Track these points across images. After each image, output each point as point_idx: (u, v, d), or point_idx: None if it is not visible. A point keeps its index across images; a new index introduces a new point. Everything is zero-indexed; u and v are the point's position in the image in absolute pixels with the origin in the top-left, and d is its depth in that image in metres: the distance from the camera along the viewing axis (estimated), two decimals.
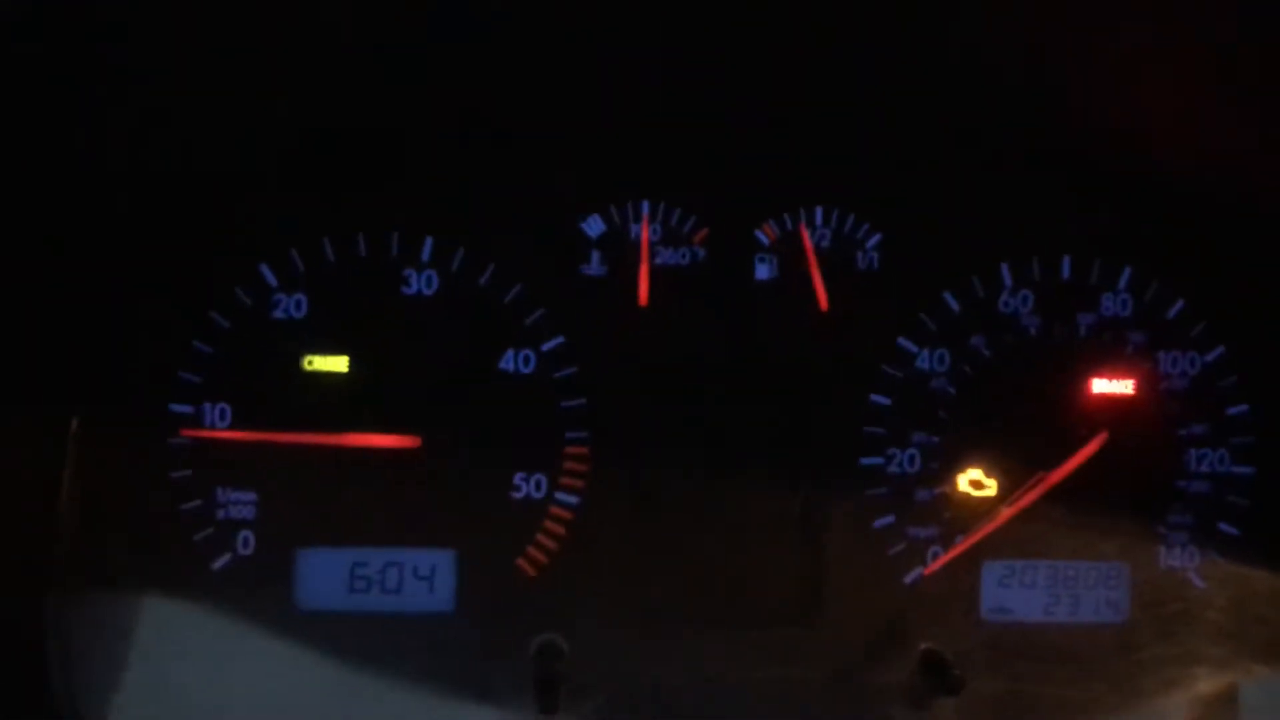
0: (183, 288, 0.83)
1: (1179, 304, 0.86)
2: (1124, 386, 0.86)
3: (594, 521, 0.83)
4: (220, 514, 0.82)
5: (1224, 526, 0.85)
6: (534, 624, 0.81)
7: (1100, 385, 0.85)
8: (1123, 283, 0.86)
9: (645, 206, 0.85)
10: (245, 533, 0.82)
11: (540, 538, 0.83)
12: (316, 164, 0.84)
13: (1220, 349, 0.86)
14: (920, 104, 0.81)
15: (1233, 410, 0.86)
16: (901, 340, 0.85)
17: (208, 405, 0.83)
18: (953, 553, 0.83)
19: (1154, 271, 0.86)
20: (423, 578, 0.82)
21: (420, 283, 0.84)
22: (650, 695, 0.81)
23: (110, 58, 0.66)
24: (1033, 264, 0.86)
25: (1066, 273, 0.86)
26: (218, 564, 0.82)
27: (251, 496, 0.82)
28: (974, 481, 0.84)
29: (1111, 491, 0.84)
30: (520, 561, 0.83)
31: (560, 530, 0.83)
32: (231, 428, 0.82)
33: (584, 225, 0.85)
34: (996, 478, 0.84)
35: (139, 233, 0.81)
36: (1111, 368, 0.86)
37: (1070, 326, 0.86)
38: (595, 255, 0.85)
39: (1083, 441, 0.84)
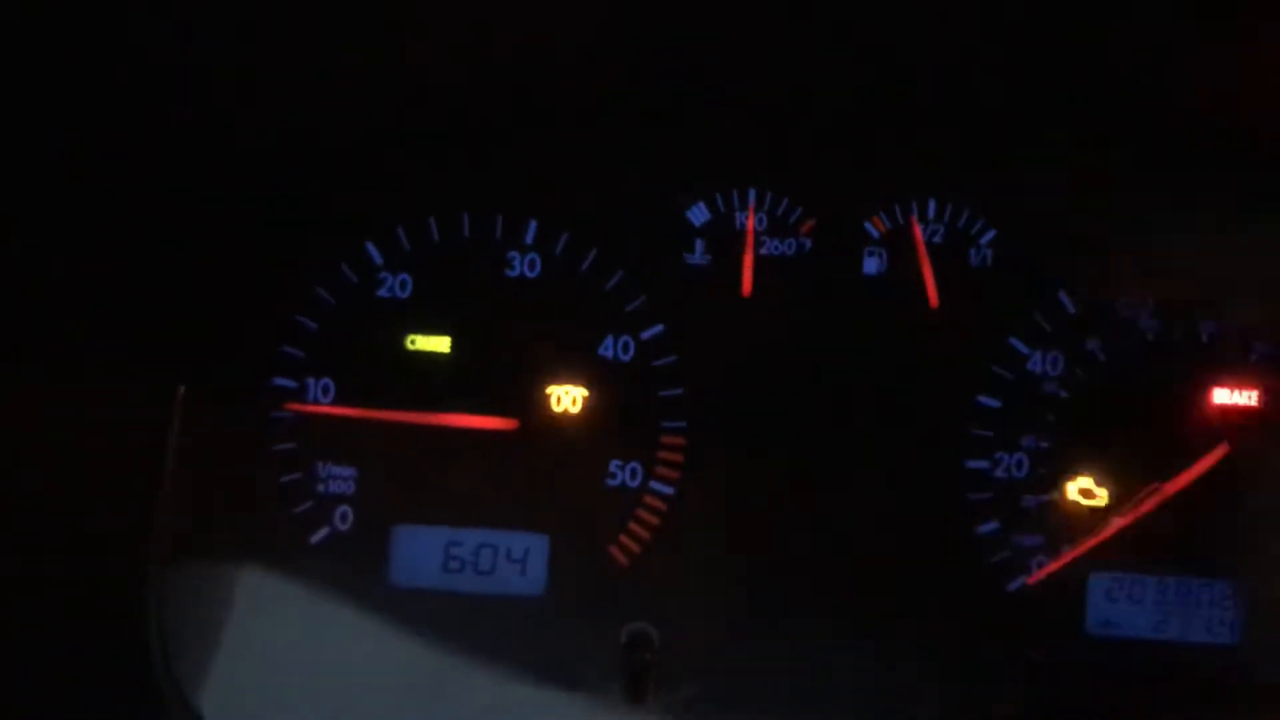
0: (289, 264, 0.84)
1: None
2: (1247, 397, 0.82)
3: (688, 511, 0.82)
4: (320, 488, 0.83)
5: None
6: (625, 612, 0.81)
7: (1222, 395, 0.81)
8: None
9: (752, 195, 0.84)
10: (344, 508, 0.83)
11: (633, 526, 0.82)
12: (422, 144, 0.84)
13: None
14: (1040, 97, 0.79)
15: None
16: (1013, 340, 0.82)
17: (311, 380, 0.84)
18: (1058, 563, 0.81)
19: None
20: (515, 560, 0.82)
21: (523, 265, 0.84)
22: (739, 687, 0.80)
23: (214, 30, 0.67)
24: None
25: None
26: (316, 537, 0.83)
27: (351, 472, 0.83)
28: (1084, 490, 0.81)
29: (1229, 506, 0.80)
30: (613, 549, 0.82)
31: (654, 519, 0.82)
32: (334, 403, 0.83)
33: (689, 213, 0.84)
34: (1108, 487, 0.81)
35: (248, 208, 0.83)
36: (1234, 377, 0.82)
37: (1191, 332, 0.82)
38: (699, 244, 0.84)
39: (1201, 453, 0.80)
